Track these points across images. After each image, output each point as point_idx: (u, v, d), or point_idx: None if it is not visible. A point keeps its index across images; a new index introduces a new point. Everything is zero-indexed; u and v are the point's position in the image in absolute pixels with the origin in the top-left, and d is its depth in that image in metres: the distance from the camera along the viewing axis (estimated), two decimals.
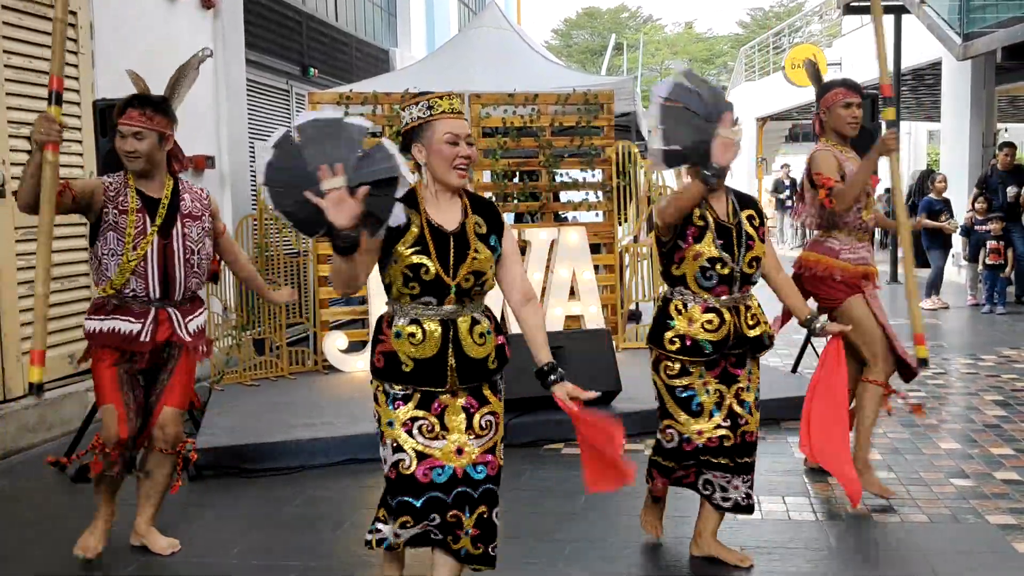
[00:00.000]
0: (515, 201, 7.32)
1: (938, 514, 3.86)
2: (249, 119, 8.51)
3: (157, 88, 3.65)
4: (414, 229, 2.61)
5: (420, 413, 2.64)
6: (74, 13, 5.87)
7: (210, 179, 7.49)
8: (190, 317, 3.58)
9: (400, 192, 2.46)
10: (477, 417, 2.69)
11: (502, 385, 2.82)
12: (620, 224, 7.41)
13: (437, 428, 2.64)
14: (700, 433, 3.25)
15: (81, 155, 5.89)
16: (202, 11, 7.53)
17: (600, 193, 7.43)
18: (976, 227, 10.15)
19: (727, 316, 3.21)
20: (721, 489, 3.35)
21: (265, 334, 6.61)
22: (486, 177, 7.76)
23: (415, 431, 2.62)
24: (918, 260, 14.02)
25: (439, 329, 2.61)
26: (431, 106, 2.60)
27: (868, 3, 13.42)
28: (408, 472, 2.60)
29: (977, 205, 10.23)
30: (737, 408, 3.28)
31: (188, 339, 3.55)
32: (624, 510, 4.01)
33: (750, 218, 3.30)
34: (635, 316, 8.36)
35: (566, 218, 9.43)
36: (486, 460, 2.68)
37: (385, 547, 2.74)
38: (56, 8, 3.21)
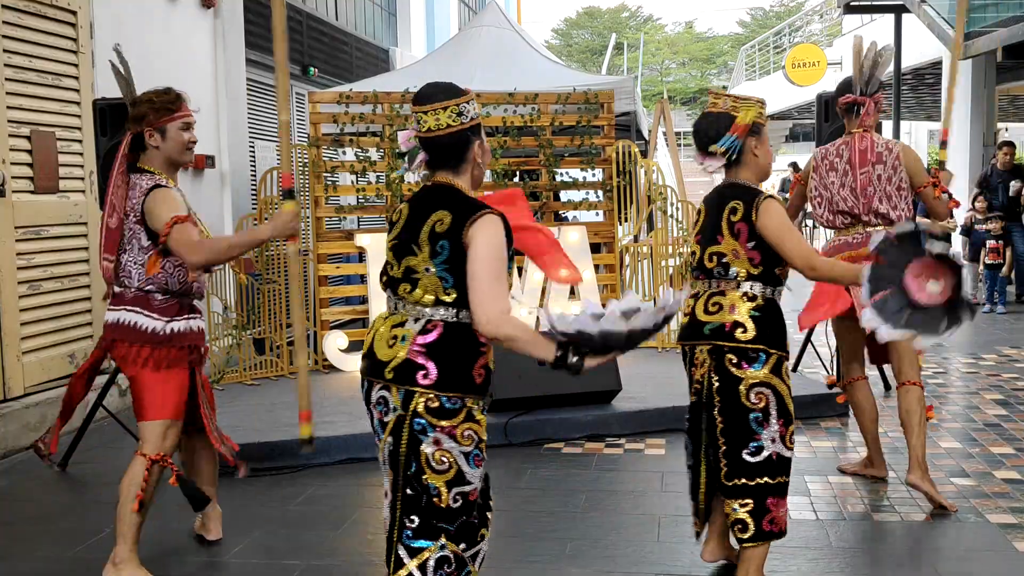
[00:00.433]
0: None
1: (939, 513, 3.85)
2: (249, 119, 8.51)
3: (153, 85, 3.67)
4: None
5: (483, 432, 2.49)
6: (74, 13, 5.88)
7: (210, 179, 7.50)
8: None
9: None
10: None
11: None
12: (620, 223, 7.41)
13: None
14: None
15: (81, 155, 5.89)
16: (202, 11, 7.54)
17: (600, 192, 7.43)
18: (976, 227, 10.15)
19: None
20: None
21: (265, 333, 6.62)
22: (486, 177, 7.76)
23: (483, 449, 2.48)
24: None
25: None
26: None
27: (868, 2, 13.42)
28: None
29: (977, 204, 10.22)
30: None
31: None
32: (625, 509, 4.02)
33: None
34: None
35: (566, 217, 9.44)
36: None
37: None
38: (276, 62, 3.01)
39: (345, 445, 4.83)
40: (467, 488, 2.41)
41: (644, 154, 8.07)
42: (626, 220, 7.43)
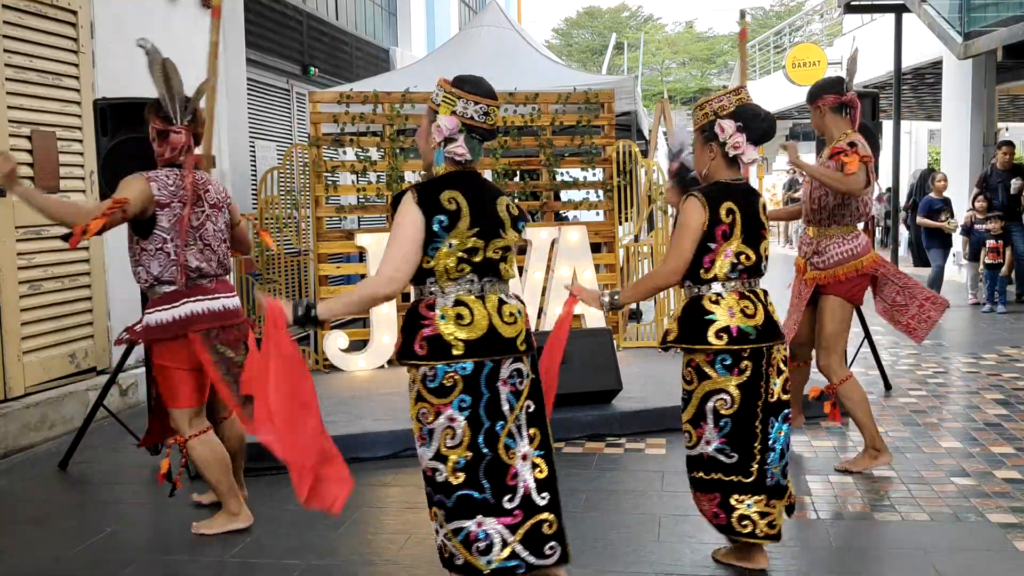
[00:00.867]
0: (515, 200, 7.30)
1: (939, 513, 3.86)
2: (249, 118, 8.51)
3: (151, 86, 3.70)
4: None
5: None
6: (74, 12, 5.88)
7: None
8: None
9: None
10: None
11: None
12: (621, 223, 7.41)
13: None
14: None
15: (82, 154, 5.89)
16: (202, 10, 7.53)
17: (601, 192, 7.43)
18: (976, 226, 10.15)
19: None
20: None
21: None
22: (487, 176, 7.76)
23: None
24: (918, 259, 14.04)
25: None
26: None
27: (869, 2, 13.44)
28: None
29: (977, 204, 10.22)
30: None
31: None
32: (625, 508, 4.01)
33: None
34: (636, 315, 8.36)
35: (567, 217, 9.44)
36: None
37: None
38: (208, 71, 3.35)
39: (345, 445, 4.80)
40: None
41: (644, 154, 8.07)
42: (627, 220, 7.43)
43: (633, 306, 7.75)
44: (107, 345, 6.09)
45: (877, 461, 4.38)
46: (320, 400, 5.78)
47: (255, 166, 8.67)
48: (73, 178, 5.84)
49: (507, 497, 2.69)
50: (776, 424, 3.20)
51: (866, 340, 6.19)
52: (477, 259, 2.71)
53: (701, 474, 3.22)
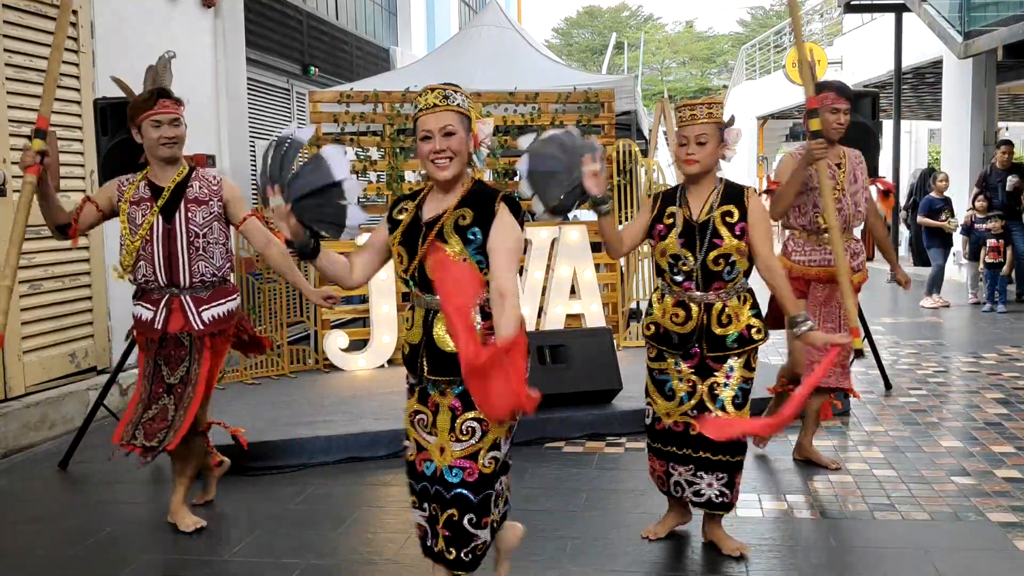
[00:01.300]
0: (517, 197, 7.30)
1: (939, 512, 3.86)
2: (250, 118, 8.51)
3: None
4: (404, 221, 2.74)
5: (419, 407, 2.75)
6: (75, 12, 5.88)
7: None
8: (206, 306, 3.67)
9: (350, 195, 2.54)
10: (459, 421, 2.66)
11: None
12: (621, 223, 7.41)
13: (430, 424, 2.73)
14: (668, 415, 3.43)
15: (82, 154, 5.89)
16: (203, 10, 7.54)
17: None
18: (976, 225, 10.15)
19: (695, 311, 3.32)
20: (689, 484, 3.42)
21: (265, 333, 6.62)
22: (487, 176, 7.76)
23: (416, 423, 2.76)
24: (918, 259, 14.03)
25: (422, 316, 2.71)
26: (416, 104, 2.68)
27: (869, 2, 13.44)
28: (411, 459, 2.79)
29: (977, 204, 10.22)
30: (708, 402, 3.33)
31: (200, 328, 3.65)
32: (626, 508, 4.02)
33: (726, 214, 3.29)
34: (636, 315, 8.36)
35: (567, 217, 9.43)
36: (463, 465, 2.65)
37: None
38: (56, 36, 3.47)
39: (345, 444, 4.82)
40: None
41: (644, 153, 8.07)
42: (627, 219, 7.43)
43: (633, 305, 7.75)
44: (107, 345, 6.09)
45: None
46: (320, 400, 5.82)
47: (255, 165, 8.68)
48: (73, 177, 5.84)
49: None
50: None
51: (866, 340, 6.19)
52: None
53: None
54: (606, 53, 26.44)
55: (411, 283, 2.71)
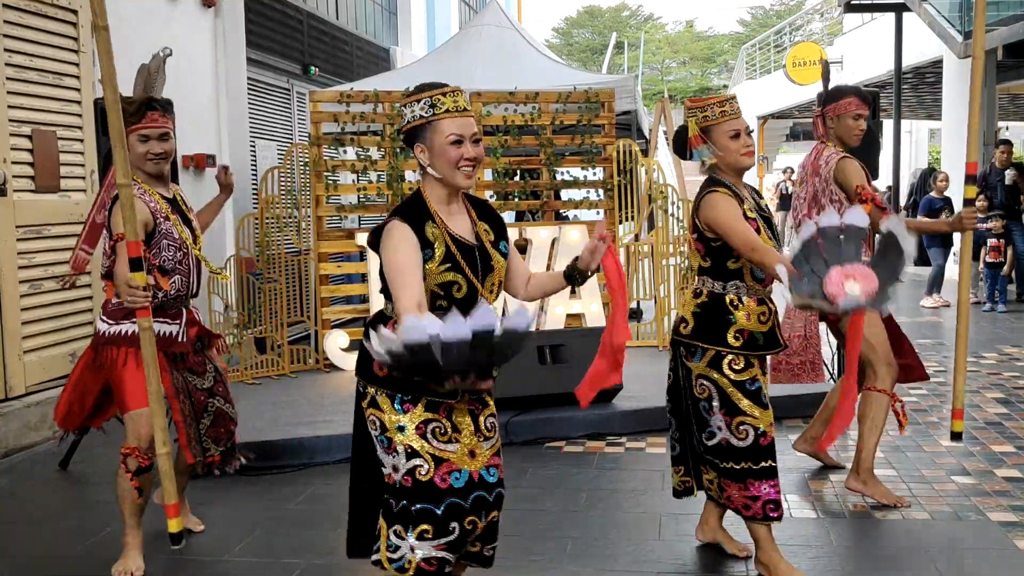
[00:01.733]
0: (516, 199, 7.32)
1: (939, 511, 3.86)
2: (250, 118, 8.51)
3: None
4: (440, 247, 2.49)
5: (431, 415, 2.51)
6: (75, 12, 5.88)
7: (211, 178, 7.49)
8: (197, 310, 3.70)
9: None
10: (482, 419, 2.61)
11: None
12: (621, 222, 7.41)
13: (449, 431, 2.52)
14: (772, 426, 3.18)
15: (82, 154, 5.90)
16: (203, 10, 7.54)
17: (601, 191, 7.42)
18: (977, 225, 10.14)
19: (772, 306, 3.23)
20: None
21: (266, 332, 6.62)
22: (487, 175, 7.76)
23: (429, 435, 2.49)
24: (919, 259, 14.03)
25: None
26: (434, 104, 2.48)
27: (869, 1, 13.42)
28: (426, 479, 2.46)
29: (978, 203, 10.21)
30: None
31: (208, 330, 3.68)
32: (626, 507, 4.02)
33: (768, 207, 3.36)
34: (635, 314, 8.36)
35: (567, 216, 9.44)
36: (496, 463, 2.60)
37: (397, 568, 2.47)
38: (97, 16, 3.03)
39: (346, 444, 4.78)
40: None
41: (645, 153, 8.07)
42: (627, 219, 7.43)
43: (633, 305, 7.75)
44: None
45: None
46: (320, 400, 5.82)
47: (255, 165, 8.68)
48: (74, 177, 5.84)
49: None
50: None
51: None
52: None
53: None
54: (606, 53, 26.46)
55: (457, 307, 2.36)
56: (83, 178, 5.91)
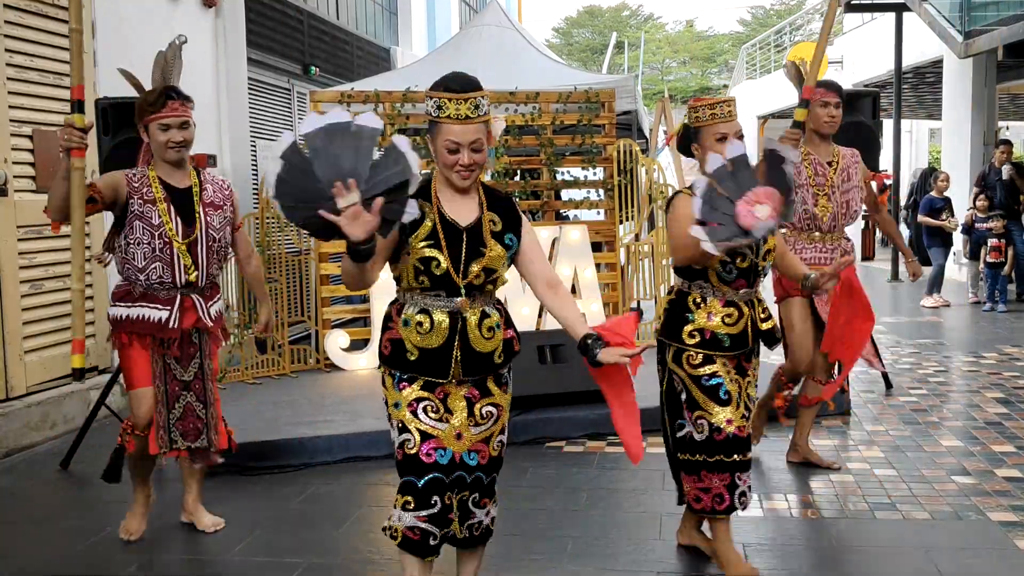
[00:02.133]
0: (516, 199, 7.32)
1: (940, 511, 3.86)
2: (251, 118, 8.51)
3: (154, 85, 3.69)
4: (428, 223, 2.60)
5: (425, 394, 2.65)
6: None
7: None
8: (211, 303, 3.68)
9: (413, 189, 2.36)
10: (478, 407, 2.70)
11: (509, 378, 2.82)
12: (621, 222, 7.42)
13: (441, 410, 2.65)
14: (729, 422, 3.19)
15: None
16: (203, 10, 7.54)
17: (601, 191, 7.43)
18: (977, 225, 10.15)
19: (745, 310, 3.23)
20: (750, 491, 3.29)
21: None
22: (487, 175, 7.76)
23: (420, 411, 2.64)
24: (919, 258, 14.04)
25: (447, 320, 2.61)
26: (440, 106, 2.57)
27: (869, 1, 13.44)
28: (412, 452, 2.62)
29: (978, 203, 10.22)
30: (747, 402, 3.28)
31: (211, 324, 3.66)
32: (626, 507, 4.02)
33: None
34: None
35: (567, 216, 9.44)
36: (478, 448, 2.71)
37: (389, 535, 2.66)
38: (71, 18, 3.35)
39: (346, 444, 4.83)
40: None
41: (645, 153, 8.07)
42: (627, 219, 7.43)
43: (633, 304, 7.75)
44: (108, 344, 6.09)
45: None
46: (321, 399, 5.83)
47: (256, 165, 8.68)
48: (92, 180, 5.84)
49: None
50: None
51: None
52: None
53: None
54: (606, 53, 26.44)
55: (435, 284, 2.58)
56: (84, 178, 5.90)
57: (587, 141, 7.19)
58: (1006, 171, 10.02)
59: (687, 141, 3.33)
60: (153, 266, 3.50)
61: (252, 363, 6.50)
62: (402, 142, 2.37)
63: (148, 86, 3.65)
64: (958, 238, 10.91)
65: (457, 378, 2.65)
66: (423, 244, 2.58)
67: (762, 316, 3.29)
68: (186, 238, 3.52)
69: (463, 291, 2.60)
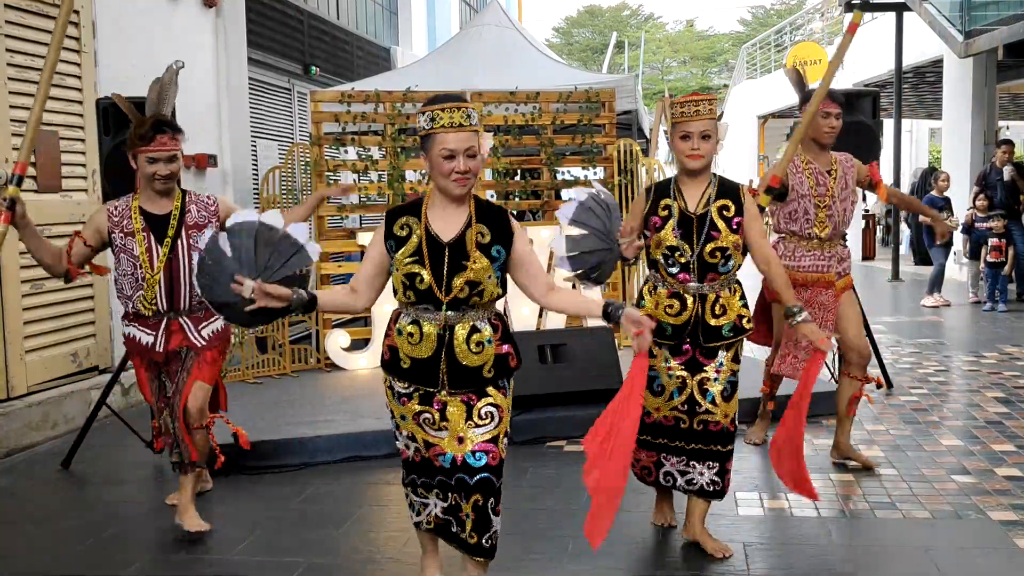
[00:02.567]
0: (516, 199, 7.33)
1: (940, 510, 3.86)
2: (251, 118, 8.52)
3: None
4: (414, 239, 2.72)
5: (423, 408, 2.79)
6: (76, 12, 5.88)
7: (212, 178, 7.50)
8: (204, 324, 3.75)
9: (309, 262, 2.84)
10: (477, 407, 2.78)
11: (507, 385, 2.85)
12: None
13: (439, 421, 2.78)
14: (658, 410, 3.43)
15: (84, 154, 5.90)
16: (204, 10, 7.54)
17: None
18: (977, 224, 10.15)
19: (690, 303, 3.33)
20: (681, 474, 3.47)
21: (267, 332, 6.62)
22: (487, 175, 7.77)
23: (422, 423, 2.80)
24: (919, 258, 14.03)
25: (435, 332, 2.71)
26: (433, 118, 2.65)
27: (870, 0, 13.44)
28: (417, 460, 2.87)
29: (978, 203, 10.22)
30: (698, 397, 3.38)
31: (201, 344, 3.73)
32: (626, 507, 4.01)
33: (723, 208, 3.33)
34: None
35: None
36: (487, 449, 2.76)
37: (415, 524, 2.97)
38: (36, 101, 3.60)
39: (347, 443, 4.83)
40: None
41: (645, 152, 8.07)
42: None
43: (634, 304, 7.76)
44: (109, 344, 6.10)
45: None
46: (321, 399, 5.82)
47: (256, 165, 8.68)
48: (75, 177, 5.85)
49: None
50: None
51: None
52: None
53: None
54: (607, 52, 26.46)
55: (423, 298, 2.70)
56: (85, 178, 5.92)
57: (587, 141, 7.19)
58: (1008, 171, 10.01)
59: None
60: (138, 294, 3.65)
61: (252, 363, 6.50)
62: (298, 231, 2.78)
63: (145, 91, 3.69)
64: (958, 238, 10.91)
65: (447, 389, 2.75)
66: (408, 260, 2.70)
67: (716, 312, 3.33)
68: (166, 264, 3.62)
69: (445, 306, 2.70)
